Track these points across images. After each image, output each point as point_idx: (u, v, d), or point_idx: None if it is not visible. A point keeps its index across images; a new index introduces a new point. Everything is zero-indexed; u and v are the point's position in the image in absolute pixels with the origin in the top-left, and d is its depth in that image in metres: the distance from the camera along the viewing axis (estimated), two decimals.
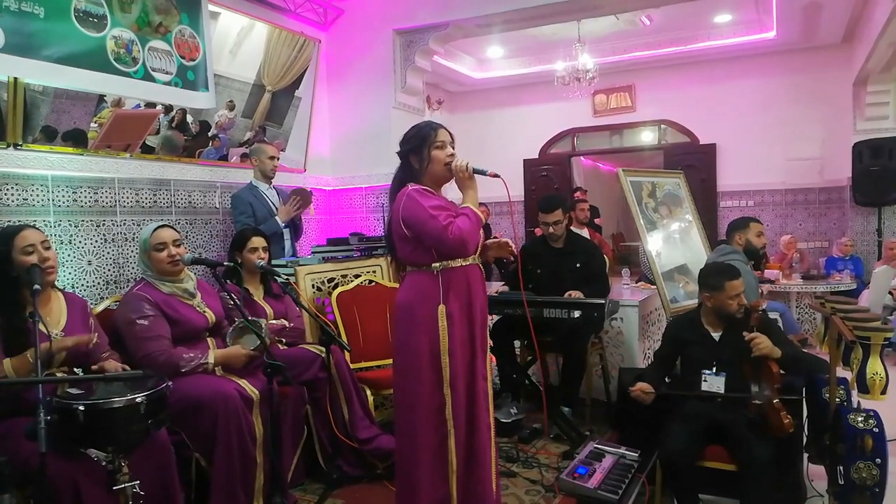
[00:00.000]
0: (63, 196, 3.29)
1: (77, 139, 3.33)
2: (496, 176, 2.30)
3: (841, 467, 2.49)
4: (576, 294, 3.65)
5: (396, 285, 3.55)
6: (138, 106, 3.58)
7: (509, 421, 3.70)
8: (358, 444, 3.06)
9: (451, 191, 2.43)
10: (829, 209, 7.49)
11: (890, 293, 5.72)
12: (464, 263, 2.29)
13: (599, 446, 3.05)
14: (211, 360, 2.71)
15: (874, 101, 6.69)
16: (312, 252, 4.12)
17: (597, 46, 7.41)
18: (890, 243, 6.13)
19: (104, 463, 2.06)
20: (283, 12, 4.68)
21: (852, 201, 6.89)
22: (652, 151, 8.78)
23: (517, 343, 4.05)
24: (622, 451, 3.00)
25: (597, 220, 7.22)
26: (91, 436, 2.02)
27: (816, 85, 7.29)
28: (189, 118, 3.91)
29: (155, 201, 3.76)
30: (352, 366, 3.31)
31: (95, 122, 3.39)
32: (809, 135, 7.39)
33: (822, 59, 7.23)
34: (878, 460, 2.42)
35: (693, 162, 7.83)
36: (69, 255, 3.31)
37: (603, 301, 3.52)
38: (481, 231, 2.40)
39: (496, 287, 4.10)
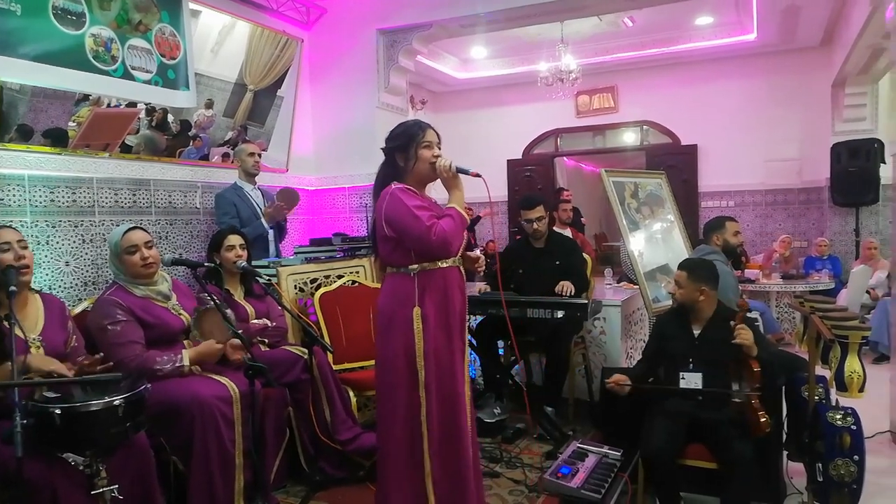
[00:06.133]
0: (40, 196, 3.24)
1: (56, 138, 3.28)
2: (478, 175, 2.30)
3: (820, 464, 2.52)
4: (566, 285, 3.65)
5: (379, 286, 3.55)
6: (118, 105, 3.54)
7: (493, 421, 3.70)
8: (340, 445, 3.04)
9: (436, 190, 2.42)
10: (808, 209, 7.59)
11: (867, 292, 5.81)
12: (442, 266, 2.28)
13: (583, 446, 3.06)
14: (185, 361, 2.68)
15: (852, 102, 6.79)
16: (295, 252, 4.09)
17: (580, 47, 7.44)
18: (867, 243, 6.22)
19: (82, 467, 2.02)
20: (265, 11, 4.65)
21: (830, 202, 6.98)
22: (634, 152, 8.84)
23: (500, 343, 4.05)
24: (605, 450, 3.01)
25: (582, 220, 7.26)
26: (68, 439, 1.99)
27: (796, 87, 7.38)
28: (170, 117, 3.86)
29: (134, 201, 3.71)
30: (334, 367, 3.29)
31: (74, 121, 3.35)
32: (789, 136, 7.48)
33: (801, 62, 7.33)
34: (856, 457, 2.45)
35: (675, 163, 7.90)
36: (46, 256, 3.26)
37: (586, 301, 3.53)
38: (465, 232, 2.39)
39: (479, 287, 4.10)
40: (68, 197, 3.37)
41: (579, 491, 2.71)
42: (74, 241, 3.39)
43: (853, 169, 6.42)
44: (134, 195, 3.71)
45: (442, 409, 2.26)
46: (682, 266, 2.89)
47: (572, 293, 3.63)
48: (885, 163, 6.20)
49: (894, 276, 4.01)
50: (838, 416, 2.51)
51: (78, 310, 2.92)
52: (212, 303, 2.70)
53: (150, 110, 3.74)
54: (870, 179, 6.38)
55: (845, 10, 5.88)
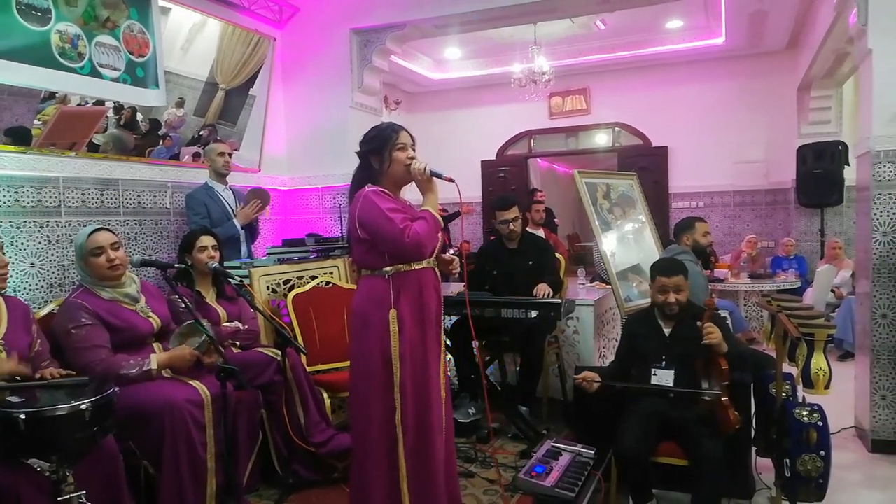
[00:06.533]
0: (4, 196, 3.16)
1: (19, 136, 3.20)
2: (451, 180, 2.30)
3: (787, 460, 2.57)
4: (544, 288, 3.67)
5: (354, 287, 3.52)
6: (86, 103, 3.46)
7: (468, 421, 3.71)
8: (314, 447, 3.02)
9: (409, 192, 2.42)
10: (775, 210, 7.73)
11: (832, 291, 5.95)
12: (416, 267, 2.28)
13: (556, 445, 3.07)
14: (154, 365, 2.63)
15: (817, 105, 6.94)
16: (268, 253, 4.05)
17: (553, 49, 7.49)
18: (832, 243, 6.36)
19: (48, 473, 1.98)
20: (236, 9, 4.59)
21: (796, 202, 7.13)
22: (606, 153, 8.93)
23: (475, 343, 4.06)
24: (578, 448, 3.03)
25: (555, 220, 7.31)
26: (33, 445, 1.94)
27: (763, 90, 7.52)
28: (139, 116, 3.80)
29: (102, 201, 3.64)
30: (308, 368, 3.27)
31: (39, 120, 3.27)
32: (756, 138, 7.63)
33: (768, 65, 7.47)
34: (822, 453, 2.50)
35: (646, 164, 8.00)
36: (11, 258, 3.17)
37: (559, 301, 3.56)
38: (440, 233, 2.39)
39: (456, 288, 4.11)
40: (33, 197, 3.29)
41: (553, 490, 2.72)
42: (40, 242, 3.31)
43: (818, 171, 6.54)
44: (102, 195, 3.64)
45: (417, 410, 2.26)
46: (674, 270, 2.86)
47: (550, 296, 3.66)
48: (849, 165, 6.34)
49: (858, 275, 4.11)
50: (805, 413, 2.56)
51: (44, 312, 2.85)
52: (191, 320, 2.66)
53: (119, 109, 3.67)
54: (834, 181, 6.51)
55: (810, 15, 6.01)
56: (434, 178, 2.32)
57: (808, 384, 2.62)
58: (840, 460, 3.09)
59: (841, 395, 3.32)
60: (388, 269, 2.25)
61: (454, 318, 3.92)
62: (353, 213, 2.26)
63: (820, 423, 2.53)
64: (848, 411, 3.83)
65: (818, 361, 2.57)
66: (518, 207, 3.94)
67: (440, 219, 2.33)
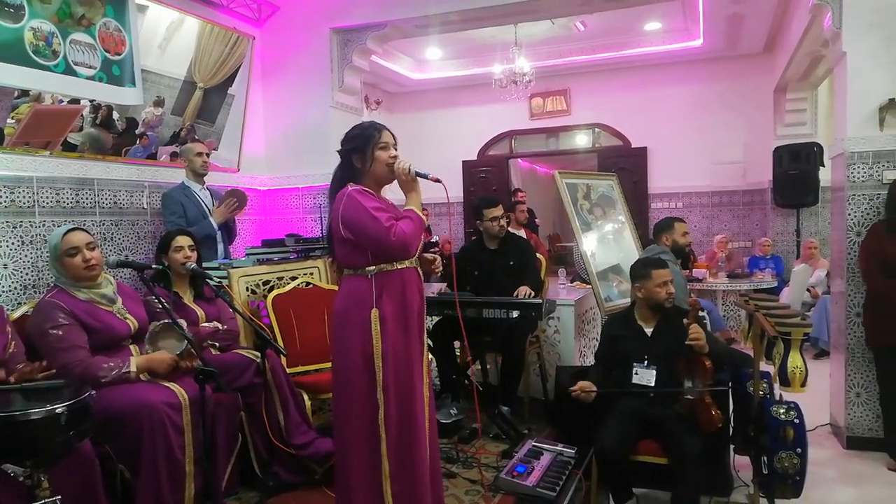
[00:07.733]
0: None
1: None
2: (437, 181, 2.30)
3: (765, 457, 2.60)
4: (526, 290, 3.68)
5: (334, 287, 3.49)
6: (60, 101, 3.40)
7: (449, 421, 3.71)
8: (295, 450, 3.00)
9: (390, 192, 2.41)
10: (752, 210, 7.84)
11: (808, 290, 6.04)
12: (399, 267, 2.27)
13: (537, 444, 3.08)
14: (133, 367, 2.59)
15: (793, 107, 7.06)
16: (247, 254, 4.01)
17: (533, 50, 7.53)
18: (808, 243, 6.46)
19: (22, 478, 1.94)
20: (215, 7, 4.55)
21: (773, 203, 7.23)
22: (586, 154, 8.99)
23: (457, 343, 4.06)
24: (559, 448, 3.04)
25: (536, 221, 7.34)
26: (7, 450, 1.90)
27: (740, 92, 7.62)
28: (115, 115, 3.74)
29: (77, 201, 3.58)
30: (288, 370, 3.24)
31: (12, 118, 3.21)
32: (734, 139, 7.73)
33: (745, 68, 7.57)
34: (799, 450, 2.54)
35: (625, 165, 8.07)
36: None
37: (540, 301, 3.57)
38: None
39: (437, 288, 4.10)
40: (6, 197, 3.22)
41: (535, 489, 2.73)
42: (13, 243, 3.25)
43: (794, 171, 6.64)
44: (77, 195, 3.58)
45: (400, 409, 2.26)
46: (663, 263, 2.92)
47: (531, 297, 3.67)
48: (824, 166, 6.43)
49: (833, 274, 4.17)
50: (782, 411, 2.60)
51: (17, 314, 2.80)
52: (166, 319, 2.62)
53: (95, 107, 3.61)
54: (810, 182, 6.61)
55: (786, 18, 6.10)
56: (418, 178, 2.31)
57: (785, 382, 2.66)
58: (816, 457, 3.14)
59: (817, 393, 3.38)
60: (370, 268, 2.24)
61: (435, 319, 3.92)
62: (336, 212, 2.24)
63: (796, 421, 2.57)
64: (823, 409, 3.89)
65: (794, 360, 2.61)
66: (503, 206, 3.99)
67: (424, 218, 2.33)
